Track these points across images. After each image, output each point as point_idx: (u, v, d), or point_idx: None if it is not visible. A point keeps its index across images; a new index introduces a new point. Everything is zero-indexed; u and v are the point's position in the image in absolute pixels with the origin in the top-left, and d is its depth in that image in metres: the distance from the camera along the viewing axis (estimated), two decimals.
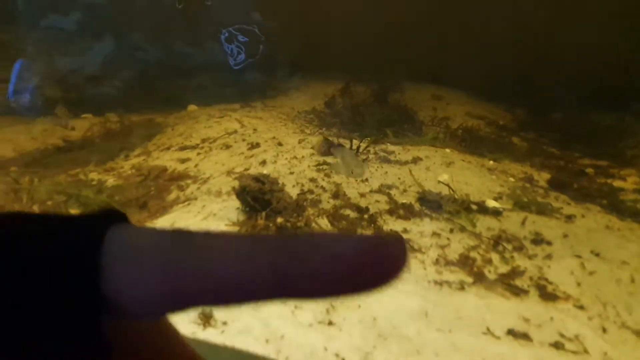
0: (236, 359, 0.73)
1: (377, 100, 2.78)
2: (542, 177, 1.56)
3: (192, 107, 2.57)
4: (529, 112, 2.63)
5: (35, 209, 1.07)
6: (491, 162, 1.71)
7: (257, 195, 0.97)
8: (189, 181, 1.28)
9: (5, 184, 1.17)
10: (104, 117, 2.20)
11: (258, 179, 0.99)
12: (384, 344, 0.74)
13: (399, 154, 1.56)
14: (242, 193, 0.98)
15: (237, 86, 2.80)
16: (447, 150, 1.76)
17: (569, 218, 1.21)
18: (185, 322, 0.77)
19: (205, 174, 1.34)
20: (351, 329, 0.76)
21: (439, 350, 0.74)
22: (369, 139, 1.59)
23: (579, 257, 1.01)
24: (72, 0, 2.75)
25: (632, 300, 0.91)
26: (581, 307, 0.88)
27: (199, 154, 1.52)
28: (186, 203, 1.16)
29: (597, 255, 1.03)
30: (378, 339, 0.75)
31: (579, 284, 0.94)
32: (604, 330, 0.83)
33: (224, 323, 0.77)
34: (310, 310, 0.80)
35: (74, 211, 1.09)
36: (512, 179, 1.50)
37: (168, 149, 1.60)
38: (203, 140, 1.66)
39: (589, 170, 1.68)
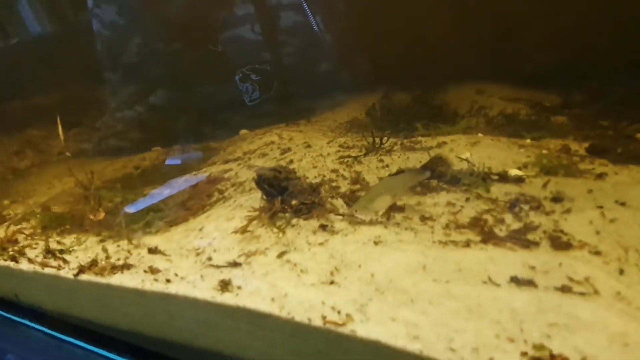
0: (246, 318, 0.82)
1: (417, 103, 2.82)
2: (582, 147, 1.49)
3: (243, 132, 2.79)
4: (581, 93, 2.50)
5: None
6: (528, 140, 1.67)
7: (273, 183, 1.07)
8: (227, 184, 1.43)
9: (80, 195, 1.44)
10: (170, 148, 2.55)
11: (274, 169, 1.09)
12: (379, 296, 0.78)
13: (425, 142, 1.59)
14: (259, 182, 1.09)
15: (284, 112, 3.00)
16: (480, 135, 1.74)
17: (599, 176, 1.16)
18: (207, 289, 0.88)
19: (241, 177, 1.48)
20: (349, 286, 0.81)
21: (433, 299, 0.76)
22: (388, 132, 1.64)
23: (600, 207, 0.97)
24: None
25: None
26: (597, 253, 0.85)
27: (239, 164, 1.67)
28: (222, 201, 1.30)
29: (623, 204, 0.98)
30: (374, 292, 0.79)
31: (597, 232, 0.91)
32: (621, 272, 0.79)
33: (239, 287, 0.86)
34: (315, 273, 0.87)
35: (129, 211, 1.28)
36: (545, 151, 1.45)
37: (214, 163, 1.78)
38: (244, 153, 1.82)
39: (638, 135, 1.57)
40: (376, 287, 0.80)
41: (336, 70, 3.35)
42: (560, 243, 0.89)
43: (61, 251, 1.23)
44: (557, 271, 0.81)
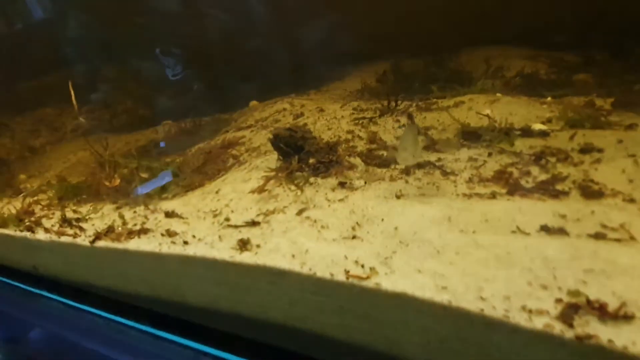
0: (267, 277, 0.80)
1: (430, 68, 2.75)
2: (607, 102, 1.43)
3: (253, 103, 2.75)
4: (602, 52, 2.40)
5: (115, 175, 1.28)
6: (549, 98, 1.61)
7: (289, 142, 1.04)
8: (242, 149, 1.40)
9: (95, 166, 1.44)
10: (180, 121, 2.54)
11: (290, 128, 1.06)
12: (404, 249, 0.76)
13: (441, 102, 1.54)
14: (275, 141, 1.06)
15: (294, 82, 2.95)
16: (498, 94, 1.68)
17: (630, 127, 1.10)
18: (225, 249, 0.86)
19: (255, 143, 1.45)
20: (372, 239, 0.79)
21: (459, 249, 0.74)
22: (402, 95, 1.59)
23: (632, 156, 0.93)
24: None
25: None
26: (632, 200, 0.81)
27: (252, 131, 1.64)
28: (238, 165, 1.28)
29: None
30: (399, 245, 0.77)
31: (631, 181, 0.86)
32: None
33: (257, 246, 0.84)
34: (336, 229, 0.84)
35: (143, 175, 1.27)
36: (559, 106, 1.39)
37: (226, 132, 1.75)
38: (256, 121, 1.79)
39: None
40: (400, 240, 0.78)
41: (344, 40, 3.28)
42: (591, 192, 0.85)
43: (77, 220, 1.23)
44: (589, 219, 0.77)
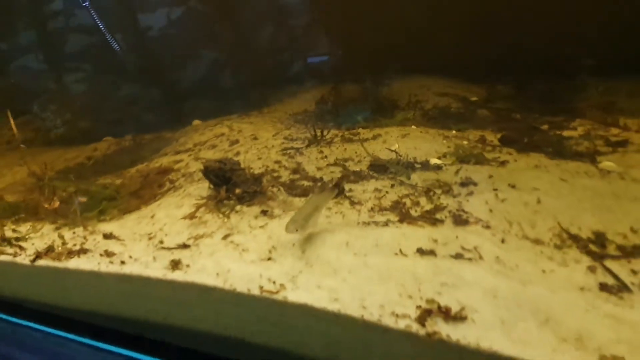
0: (195, 292, 0.95)
1: (365, 96, 2.99)
2: (496, 138, 1.71)
3: (196, 122, 2.85)
4: (509, 87, 2.74)
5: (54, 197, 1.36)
6: (454, 131, 1.87)
7: (218, 174, 1.19)
8: (178, 175, 1.53)
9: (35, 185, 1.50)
10: (121, 138, 2.58)
11: (220, 161, 1.21)
12: (308, 269, 0.94)
13: (363, 134, 1.75)
14: (206, 173, 1.21)
15: (238, 101, 3.09)
16: (413, 127, 1.93)
17: (502, 163, 1.36)
18: (159, 268, 1.00)
19: (191, 168, 1.58)
20: (284, 261, 0.96)
21: (352, 269, 0.92)
22: (331, 124, 1.79)
23: (495, 190, 1.17)
24: None
25: (536, 217, 1.06)
26: (487, 227, 1.04)
27: (190, 155, 1.76)
28: (173, 190, 1.41)
29: (513, 187, 1.18)
30: (304, 266, 0.94)
31: (490, 210, 1.10)
32: (503, 241, 0.99)
33: (187, 265, 0.99)
34: (255, 251, 1.00)
35: (82, 199, 1.35)
36: (465, 142, 1.65)
37: (166, 154, 1.86)
38: (195, 145, 1.91)
39: (544, 126, 1.81)
40: (306, 262, 0.95)
41: (294, 62, 3.48)
42: (460, 220, 1.08)
43: (17, 239, 1.29)
44: (454, 243, 0.99)
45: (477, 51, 2.79)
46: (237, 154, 1.59)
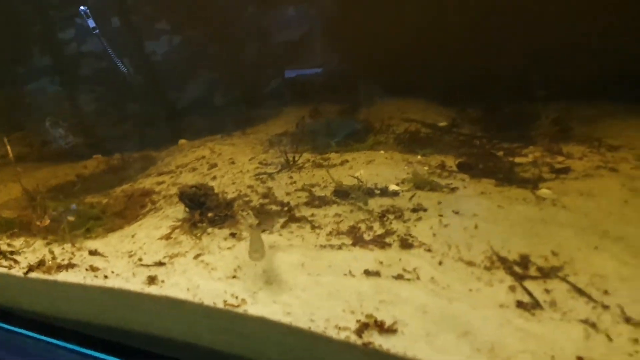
0: (169, 304, 1.07)
1: (345, 117, 3.15)
2: (455, 164, 1.86)
3: (182, 141, 2.97)
4: (478, 111, 2.91)
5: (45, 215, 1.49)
6: (419, 157, 2.02)
7: (193, 198, 1.32)
8: (159, 197, 1.66)
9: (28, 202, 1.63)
10: (110, 156, 2.70)
11: (194, 186, 1.34)
12: (268, 286, 1.07)
13: (333, 160, 1.90)
14: (182, 197, 1.34)
15: (227, 118, 3.23)
16: (382, 152, 2.08)
17: (452, 190, 1.51)
18: (137, 283, 1.12)
19: (172, 190, 1.71)
20: (247, 279, 1.09)
21: (305, 287, 1.06)
22: (306, 147, 1.94)
23: (440, 216, 1.32)
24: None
25: (473, 241, 1.20)
26: (429, 250, 1.18)
27: (171, 177, 1.90)
28: (153, 211, 1.54)
29: (457, 213, 1.33)
30: (264, 283, 1.08)
31: (434, 235, 1.24)
32: (440, 263, 1.13)
33: (162, 281, 1.11)
34: (222, 270, 1.14)
35: (70, 218, 1.48)
36: (426, 168, 1.80)
37: (149, 175, 1.99)
38: (177, 167, 2.04)
39: (500, 152, 1.96)
40: (266, 280, 1.08)
41: (279, 81, 3.65)
42: (406, 244, 1.22)
43: (12, 252, 1.42)
44: (397, 264, 1.13)
45: (453, 74, 2.97)
46: (214, 177, 1.73)
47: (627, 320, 0.92)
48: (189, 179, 1.82)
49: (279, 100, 3.59)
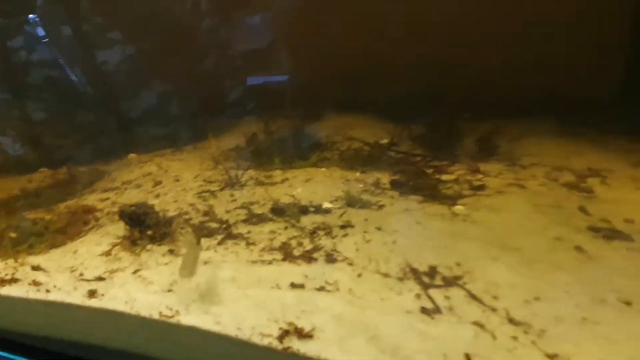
0: (108, 316, 1.15)
1: (294, 134, 3.27)
2: (388, 181, 2.02)
3: (131, 156, 2.99)
4: (421, 127, 3.11)
5: None
6: (357, 174, 2.16)
7: (133, 216, 1.40)
8: (102, 214, 1.71)
9: None
10: (57, 170, 2.68)
11: (134, 205, 1.42)
12: (200, 299, 1.16)
13: (274, 177, 2.01)
14: (122, 215, 1.41)
15: (181, 130, 3.27)
16: (323, 169, 2.21)
17: (380, 207, 1.66)
18: (78, 296, 1.19)
19: (114, 208, 1.77)
20: (181, 293, 1.18)
21: (235, 299, 1.16)
22: (252, 164, 2.05)
23: (365, 232, 1.45)
24: None
25: (391, 255, 1.34)
26: (351, 264, 1.31)
27: (116, 193, 1.95)
28: (96, 228, 1.60)
29: (379, 229, 1.47)
30: (197, 296, 1.17)
31: (357, 250, 1.37)
32: (359, 275, 1.26)
33: (102, 294, 1.19)
34: (158, 284, 1.22)
35: (12, 234, 1.52)
36: (361, 185, 1.94)
37: (94, 191, 2.03)
38: (123, 183, 2.09)
39: (430, 170, 2.15)
40: (199, 294, 1.18)
41: (234, 93, 3.73)
42: (331, 258, 1.34)
43: None
44: (321, 277, 1.25)
45: (400, 90, 3.15)
46: (157, 195, 1.80)
47: (511, 321, 1.08)
48: (132, 196, 1.88)
49: (238, 111, 3.66)
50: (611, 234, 1.41)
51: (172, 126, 3.39)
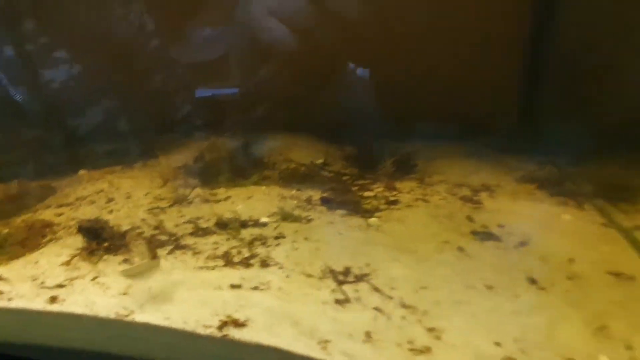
0: (69, 319, 1.34)
1: (239, 153, 3.51)
2: (319, 198, 2.32)
3: (82, 172, 3.08)
4: (352, 148, 3.44)
5: None
6: (293, 192, 2.45)
7: (90, 230, 1.60)
8: (59, 228, 1.88)
9: None
10: (7, 184, 2.74)
11: (91, 220, 1.62)
12: (153, 299, 1.39)
13: (219, 195, 2.26)
14: (80, 229, 1.61)
15: (131, 146, 3.39)
16: (263, 187, 2.48)
17: (309, 221, 1.95)
18: (40, 303, 1.37)
19: (71, 222, 1.94)
20: (136, 295, 1.41)
21: (183, 299, 1.40)
22: (198, 181, 2.28)
23: (294, 242, 1.74)
24: None
25: (314, 259, 1.63)
26: (281, 268, 1.58)
27: (71, 209, 2.11)
28: (54, 240, 1.77)
29: (307, 239, 1.76)
30: (150, 297, 1.40)
31: (287, 256, 1.65)
32: (288, 277, 1.53)
33: (63, 300, 1.38)
34: (115, 289, 1.43)
35: None
36: (295, 202, 2.23)
37: (49, 206, 2.18)
38: (77, 199, 2.25)
39: (355, 188, 2.47)
40: (151, 295, 1.41)
41: (184, 111, 3.87)
42: (265, 264, 1.61)
43: None
44: (256, 279, 1.51)
45: (335, 112, 3.47)
46: (111, 211, 1.99)
47: (402, 305, 1.39)
48: (87, 211, 2.05)
49: (187, 127, 3.81)
50: (486, 237, 1.78)
51: (120, 143, 3.49)
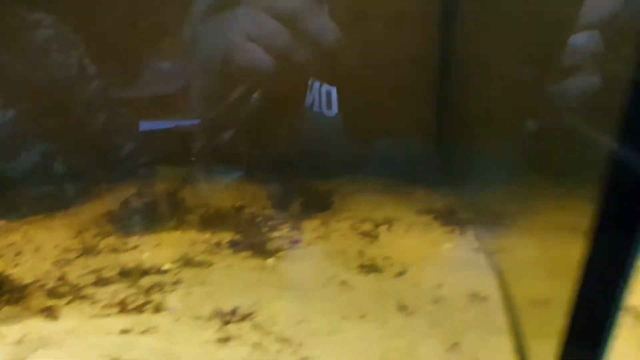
0: None
1: (167, 196, 3.62)
2: (228, 241, 2.48)
3: (0, 223, 3.08)
4: (278, 187, 3.62)
5: None
6: (207, 235, 2.60)
7: None
8: None
9: None
10: None
11: None
12: (44, 346, 1.50)
13: (130, 243, 2.37)
14: None
15: (62, 193, 3.39)
16: (178, 232, 2.61)
17: (209, 265, 2.10)
18: None
19: None
20: (29, 343, 1.50)
21: (73, 345, 1.51)
22: (107, 232, 2.40)
23: (190, 286, 1.89)
24: None
25: (206, 301, 1.77)
26: (172, 312, 1.73)
27: None
28: None
29: (202, 283, 1.90)
30: (41, 345, 1.50)
31: (180, 301, 1.79)
32: (177, 320, 1.67)
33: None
34: (11, 337, 1.53)
35: None
36: (205, 245, 2.38)
37: None
38: None
39: (266, 228, 2.66)
40: (43, 343, 1.51)
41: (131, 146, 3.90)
42: (157, 309, 1.74)
43: None
44: (146, 324, 1.64)
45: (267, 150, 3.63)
46: (17, 264, 2.06)
47: (280, 339, 1.55)
48: None
49: (130, 165, 3.80)
50: (370, 269, 1.99)
51: (56, 185, 3.44)
